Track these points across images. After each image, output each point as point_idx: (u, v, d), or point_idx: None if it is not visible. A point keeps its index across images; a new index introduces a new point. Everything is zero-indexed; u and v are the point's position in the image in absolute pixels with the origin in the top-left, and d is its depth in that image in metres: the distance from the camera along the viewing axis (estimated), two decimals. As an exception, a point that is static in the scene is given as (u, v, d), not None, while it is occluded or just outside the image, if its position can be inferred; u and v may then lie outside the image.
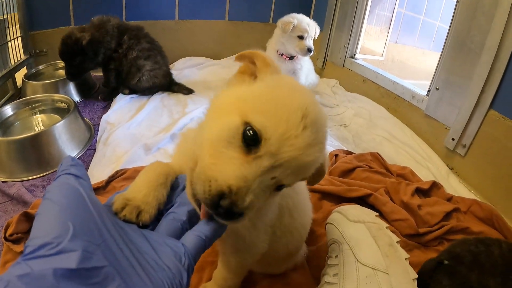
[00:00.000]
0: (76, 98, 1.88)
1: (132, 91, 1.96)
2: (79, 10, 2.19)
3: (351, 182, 1.25)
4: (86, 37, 1.69)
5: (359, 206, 0.94)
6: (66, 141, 1.33)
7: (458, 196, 1.27)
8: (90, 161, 1.33)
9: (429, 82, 1.70)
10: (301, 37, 1.86)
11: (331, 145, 1.57)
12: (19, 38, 2.02)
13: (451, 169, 1.52)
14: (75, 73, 1.78)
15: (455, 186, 1.41)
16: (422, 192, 1.25)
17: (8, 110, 1.49)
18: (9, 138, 1.27)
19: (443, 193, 1.26)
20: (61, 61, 2.05)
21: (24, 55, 2.06)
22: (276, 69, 0.52)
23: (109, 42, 1.79)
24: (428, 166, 1.51)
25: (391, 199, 1.19)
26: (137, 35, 1.89)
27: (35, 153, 1.26)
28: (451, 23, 1.59)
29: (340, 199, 1.18)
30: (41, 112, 1.56)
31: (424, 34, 3.12)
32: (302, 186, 0.80)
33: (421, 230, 1.06)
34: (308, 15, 2.19)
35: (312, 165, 0.47)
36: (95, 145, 1.43)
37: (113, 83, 1.93)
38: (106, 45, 1.78)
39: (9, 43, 1.88)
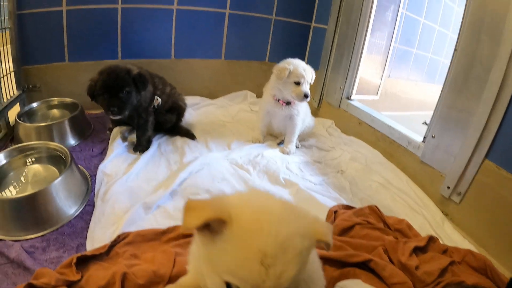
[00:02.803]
0: (72, 141, 1.85)
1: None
2: (74, 46, 2.16)
3: (351, 242, 1.26)
4: (134, 68, 1.65)
5: (361, 281, 0.95)
6: (63, 199, 1.30)
7: (453, 246, 1.29)
8: (89, 219, 1.30)
9: (422, 113, 1.72)
10: (297, 83, 1.84)
11: (329, 196, 1.58)
12: (12, 73, 1.98)
13: (446, 215, 1.54)
14: (122, 107, 1.61)
15: (449, 233, 1.44)
16: (419, 248, 1.27)
17: (1, 158, 1.45)
18: (4, 198, 1.26)
19: (438, 246, 1.29)
20: (55, 98, 2.03)
21: (17, 90, 2.02)
22: (229, 214, 0.56)
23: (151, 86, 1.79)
24: (423, 213, 1.53)
25: (389, 258, 1.21)
26: (161, 79, 1.95)
27: (32, 212, 1.23)
28: (448, 72, 1.59)
29: (342, 263, 1.18)
30: (36, 160, 1.53)
31: (416, 65, 3.16)
32: (314, 255, 0.83)
33: (418, 289, 1.09)
34: (303, 54, 2.20)
35: (294, 276, 0.53)
36: (93, 200, 1.41)
37: (151, 130, 1.85)
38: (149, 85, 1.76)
39: (1, 79, 1.84)
